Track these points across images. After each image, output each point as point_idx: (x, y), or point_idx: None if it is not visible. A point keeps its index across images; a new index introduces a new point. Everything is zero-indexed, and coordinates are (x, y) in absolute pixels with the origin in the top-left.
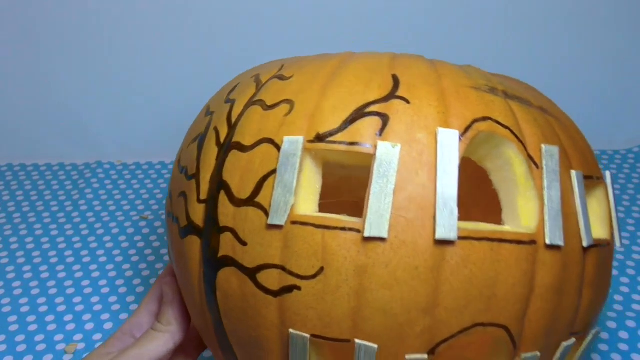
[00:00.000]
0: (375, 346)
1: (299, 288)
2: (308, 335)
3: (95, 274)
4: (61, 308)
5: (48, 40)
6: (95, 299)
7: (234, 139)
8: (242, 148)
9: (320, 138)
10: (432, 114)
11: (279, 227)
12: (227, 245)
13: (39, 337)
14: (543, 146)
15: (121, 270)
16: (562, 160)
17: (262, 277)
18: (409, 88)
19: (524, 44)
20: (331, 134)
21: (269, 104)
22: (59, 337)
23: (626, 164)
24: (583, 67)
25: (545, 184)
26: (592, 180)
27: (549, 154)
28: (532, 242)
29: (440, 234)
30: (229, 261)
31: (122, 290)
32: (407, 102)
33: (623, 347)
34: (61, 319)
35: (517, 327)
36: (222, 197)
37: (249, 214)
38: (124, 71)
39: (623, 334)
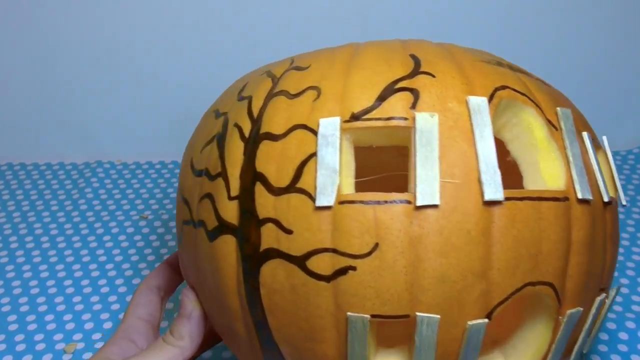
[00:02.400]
0: (438, 317)
1: (354, 268)
2: (368, 316)
3: (95, 274)
4: (61, 307)
5: (48, 40)
6: (94, 299)
7: (263, 130)
8: (274, 137)
9: (356, 117)
10: (457, 85)
11: (327, 208)
12: (269, 237)
13: (39, 337)
14: (558, 109)
15: (121, 269)
16: (575, 122)
17: (312, 263)
18: (430, 64)
19: (522, 45)
20: (366, 111)
21: (292, 92)
22: (58, 336)
23: (626, 164)
24: (582, 68)
25: (567, 143)
26: (595, 142)
27: (565, 116)
28: (566, 199)
29: (489, 195)
30: (274, 253)
31: (122, 289)
32: (433, 76)
33: (622, 348)
34: (61, 318)
35: (561, 283)
36: (259, 189)
37: (292, 201)
38: (124, 71)
39: (623, 335)
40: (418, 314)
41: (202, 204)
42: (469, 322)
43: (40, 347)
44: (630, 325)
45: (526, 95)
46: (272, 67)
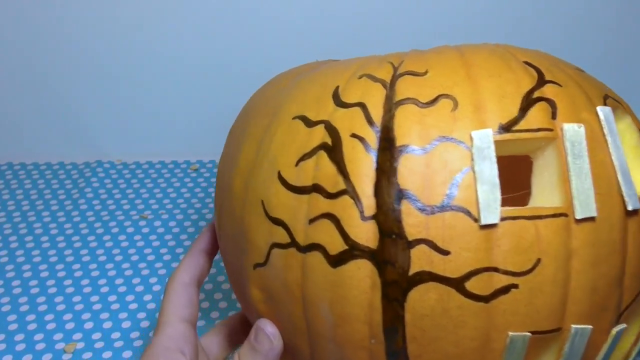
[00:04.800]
0: (590, 327)
1: (516, 286)
2: (529, 334)
3: (95, 273)
4: (60, 307)
5: (48, 40)
6: (94, 298)
7: (400, 143)
8: (416, 150)
9: (505, 128)
10: (580, 95)
11: (492, 226)
12: (421, 259)
13: (39, 337)
14: None
15: (120, 269)
16: None
17: (471, 284)
18: (550, 72)
19: (522, 44)
20: (514, 122)
21: (423, 101)
22: (58, 336)
23: None
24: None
25: None
26: None
27: None
28: None
29: (633, 205)
30: (426, 276)
31: (122, 289)
32: (559, 85)
33: None
34: (61, 318)
35: None
36: (407, 207)
37: (447, 219)
38: (124, 70)
39: None
40: (573, 326)
41: (317, 225)
42: (614, 329)
43: (40, 347)
44: None
45: (621, 104)
46: (366, 70)
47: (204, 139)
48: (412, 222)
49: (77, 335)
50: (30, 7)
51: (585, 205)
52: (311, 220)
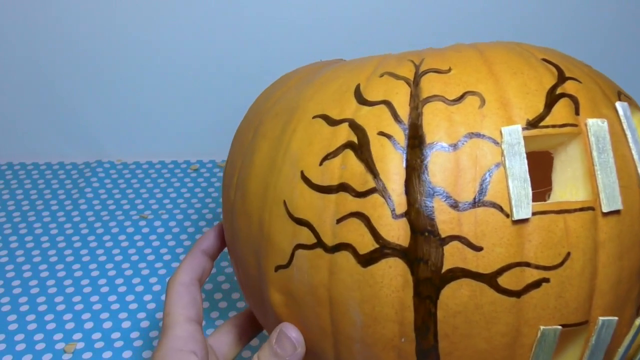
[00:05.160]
0: (616, 319)
1: (547, 280)
2: (559, 327)
3: (95, 273)
4: (60, 307)
5: (48, 40)
6: (94, 298)
7: (429, 140)
8: (445, 147)
9: (533, 124)
10: (598, 91)
11: (523, 221)
12: (454, 256)
13: (39, 337)
14: None
15: (120, 269)
16: None
17: (504, 279)
18: (568, 69)
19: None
20: (541, 118)
21: (450, 98)
22: (58, 336)
23: None
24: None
25: None
26: None
27: None
28: None
29: None
30: (459, 273)
31: (122, 289)
32: (579, 82)
33: None
34: (60, 318)
35: None
36: (439, 205)
37: (480, 215)
38: (125, 71)
39: None
40: (600, 318)
41: (345, 225)
42: (638, 320)
43: (40, 346)
44: None
45: (631, 99)
46: (387, 68)
47: (204, 139)
48: (445, 219)
49: (77, 335)
50: (30, 7)
51: (611, 198)
52: (339, 220)
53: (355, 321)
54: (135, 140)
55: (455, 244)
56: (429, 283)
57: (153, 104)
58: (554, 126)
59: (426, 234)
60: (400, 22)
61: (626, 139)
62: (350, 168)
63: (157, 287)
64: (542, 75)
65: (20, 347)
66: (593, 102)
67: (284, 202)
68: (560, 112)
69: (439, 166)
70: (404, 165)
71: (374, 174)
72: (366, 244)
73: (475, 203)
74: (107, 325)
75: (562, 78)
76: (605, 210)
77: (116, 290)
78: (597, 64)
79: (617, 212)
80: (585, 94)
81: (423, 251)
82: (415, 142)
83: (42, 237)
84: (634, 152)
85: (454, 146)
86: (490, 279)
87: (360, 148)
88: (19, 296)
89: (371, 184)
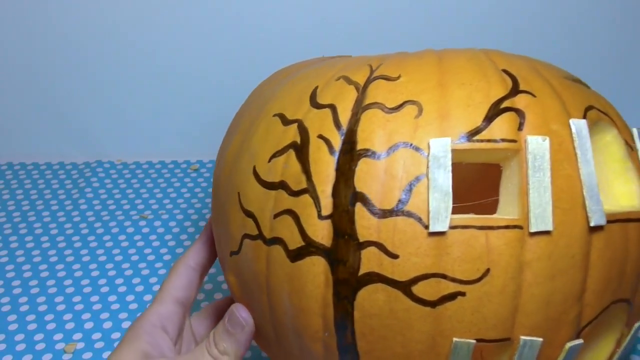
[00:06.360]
0: (541, 340)
1: (463, 294)
2: (473, 341)
3: (95, 273)
4: (60, 307)
5: (48, 39)
6: (94, 298)
7: (361, 146)
8: (375, 155)
9: (465, 138)
10: (556, 106)
11: (440, 233)
12: (371, 261)
13: (39, 337)
14: (634, 130)
15: (120, 269)
16: None
17: (418, 289)
18: (527, 82)
19: (520, 45)
20: (476, 132)
21: (389, 106)
22: (58, 336)
23: None
24: (581, 68)
25: None
26: None
27: (639, 136)
28: None
29: (596, 221)
30: (374, 278)
31: (122, 289)
32: (533, 95)
33: None
34: (61, 318)
35: (633, 298)
36: (360, 210)
37: (399, 224)
38: (124, 70)
39: None
40: (522, 337)
41: (279, 220)
42: (568, 344)
43: (40, 347)
44: None
45: (607, 115)
46: (346, 72)
47: (204, 139)
48: (365, 224)
49: (77, 335)
50: (30, 7)
51: (540, 218)
52: (275, 215)
53: (287, 311)
54: (135, 140)
55: (372, 249)
56: (346, 284)
57: (153, 104)
58: (489, 140)
59: (346, 237)
60: (400, 22)
61: (576, 158)
62: (290, 167)
63: (157, 287)
64: (493, 87)
65: (20, 347)
66: (542, 118)
67: (238, 194)
68: (500, 126)
69: (365, 173)
70: (335, 169)
71: (308, 175)
72: (295, 241)
73: (396, 212)
74: (107, 325)
75: (514, 91)
76: (532, 230)
77: (116, 290)
78: (597, 64)
79: (547, 232)
80: (536, 108)
81: (342, 253)
82: (348, 148)
83: (42, 237)
84: (582, 172)
85: (384, 154)
86: (405, 287)
87: (302, 149)
88: (19, 296)
89: (304, 184)
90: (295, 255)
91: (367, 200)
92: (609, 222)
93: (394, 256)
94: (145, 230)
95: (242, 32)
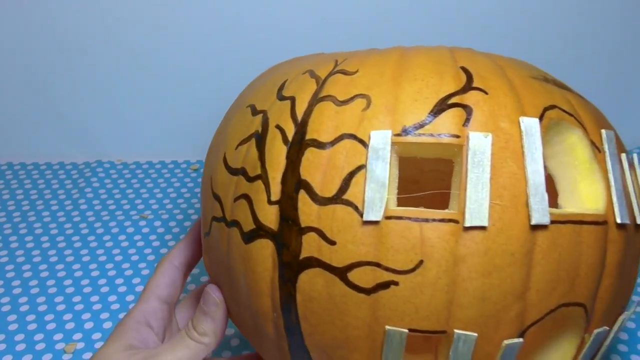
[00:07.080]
0: (475, 335)
1: (396, 283)
2: (406, 330)
3: (95, 273)
4: (60, 307)
5: (48, 39)
6: (94, 298)
7: (308, 137)
8: (320, 145)
9: (407, 131)
10: (509, 104)
11: (374, 223)
12: (311, 246)
13: (39, 337)
14: (603, 132)
15: (120, 269)
16: (617, 144)
17: (353, 275)
18: (482, 79)
19: (520, 45)
20: (420, 126)
21: (341, 99)
22: (58, 336)
23: None
24: (581, 68)
25: (610, 166)
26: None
27: (609, 139)
28: (604, 222)
29: (537, 219)
30: (314, 262)
31: (122, 289)
32: (485, 92)
33: (622, 348)
34: (61, 318)
35: (591, 304)
36: (303, 197)
37: (337, 212)
38: (124, 71)
39: (623, 335)
40: (456, 331)
41: (238, 204)
42: (505, 342)
43: (40, 347)
44: (631, 325)
45: (573, 116)
46: (314, 66)
47: (204, 139)
48: (305, 211)
49: (77, 335)
50: (29, 7)
51: (476, 214)
52: (235, 199)
53: (243, 290)
54: (135, 140)
55: (312, 234)
56: (290, 267)
57: (153, 104)
58: (430, 135)
59: (290, 221)
60: (400, 22)
61: (523, 156)
62: (250, 155)
63: None
64: (445, 83)
65: (20, 347)
66: (492, 116)
67: (210, 179)
68: (445, 122)
69: (310, 162)
70: (285, 157)
71: (262, 162)
72: (248, 223)
73: (335, 199)
74: (107, 325)
75: (467, 87)
76: (466, 225)
77: (116, 290)
78: (597, 64)
79: (482, 228)
80: (486, 106)
81: (287, 237)
82: (298, 138)
83: (42, 237)
84: (528, 171)
85: (329, 145)
86: (341, 273)
87: (261, 138)
88: (19, 296)
89: (258, 170)
90: (249, 238)
91: (310, 187)
92: (558, 222)
93: (332, 242)
94: (145, 230)
95: (242, 32)
